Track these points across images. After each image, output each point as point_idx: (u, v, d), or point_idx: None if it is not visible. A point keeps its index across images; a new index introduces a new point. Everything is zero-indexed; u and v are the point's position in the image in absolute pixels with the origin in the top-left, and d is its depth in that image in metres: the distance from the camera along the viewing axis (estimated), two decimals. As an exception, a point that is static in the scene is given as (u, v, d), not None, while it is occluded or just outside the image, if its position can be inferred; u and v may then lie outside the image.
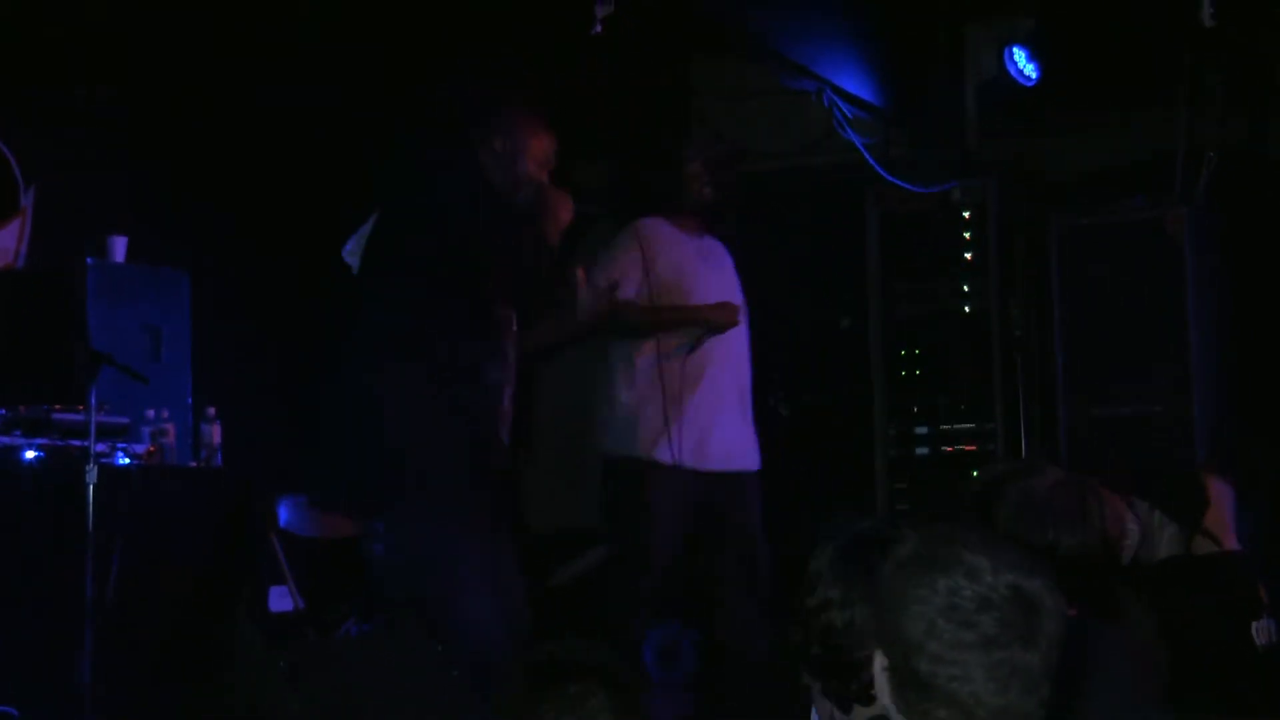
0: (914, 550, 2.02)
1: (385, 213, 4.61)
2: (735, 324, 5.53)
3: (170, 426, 5.64)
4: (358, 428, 4.46)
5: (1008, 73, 7.16)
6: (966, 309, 7.34)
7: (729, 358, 5.60)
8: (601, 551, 5.45)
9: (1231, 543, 4.54)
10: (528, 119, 4.74)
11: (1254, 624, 4.34)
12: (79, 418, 5.20)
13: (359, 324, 4.49)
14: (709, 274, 5.64)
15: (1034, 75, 7.19)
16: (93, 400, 5.02)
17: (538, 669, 2.52)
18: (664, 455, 5.39)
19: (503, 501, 4.59)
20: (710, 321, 5.50)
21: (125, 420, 5.48)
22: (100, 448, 5.10)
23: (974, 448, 7.21)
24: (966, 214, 7.37)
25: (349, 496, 4.71)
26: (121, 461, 5.36)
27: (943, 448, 7.28)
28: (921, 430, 7.28)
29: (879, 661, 2.01)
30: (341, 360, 4.53)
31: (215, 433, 5.78)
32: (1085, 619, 2.96)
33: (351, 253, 4.68)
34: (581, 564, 6.51)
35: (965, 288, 7.34)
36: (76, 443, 5.18)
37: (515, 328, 4.59)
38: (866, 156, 7.11)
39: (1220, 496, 4.64)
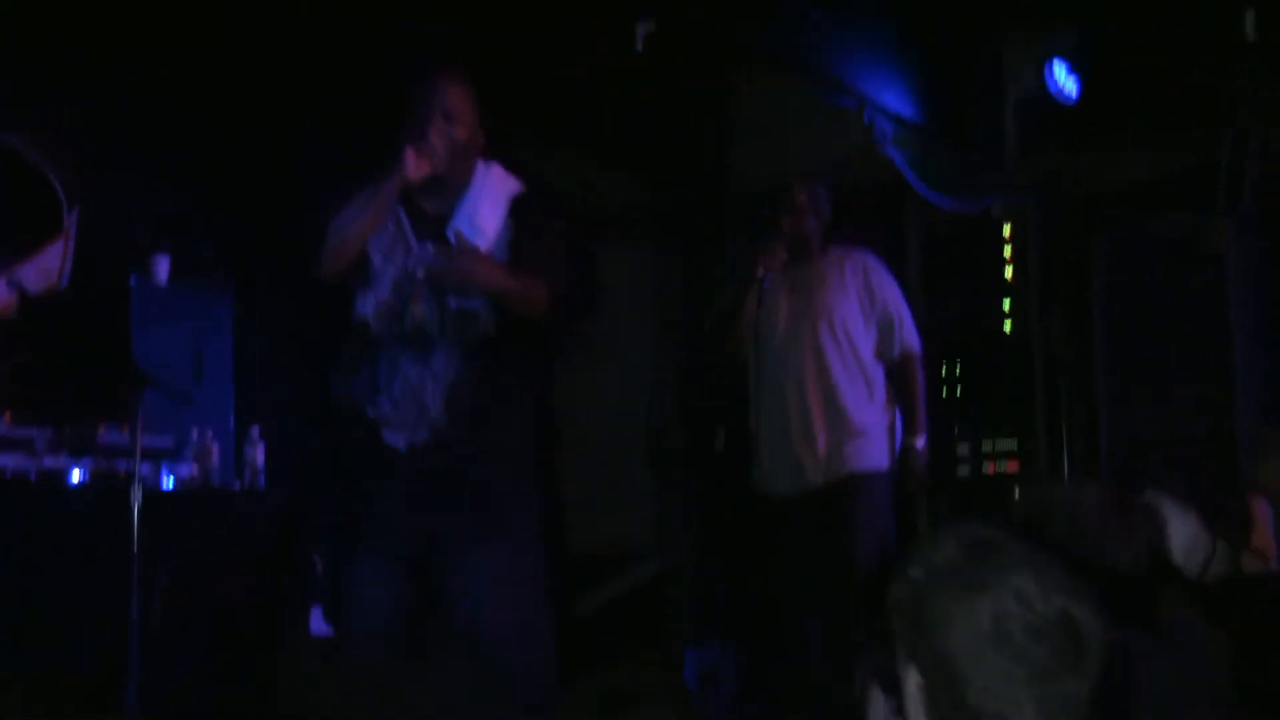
0: (953, 559, 1.95)
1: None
2: None
3: (214, 447, 5.64)
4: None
5: (1048, 87, 7.12)
6: (1007, 326, 7.30)
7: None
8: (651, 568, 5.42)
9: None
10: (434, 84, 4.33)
11: (1310, 645, 4.29)
12: (124, 439, 5.21)
13: None
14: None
15: (1074, 90, 7.15)
16: (138, 421, 5.01)
17: (607, 696, 2.47)
18: None
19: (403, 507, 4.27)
20: None
21: (169, 441, 5.48)
22: (145, 469, 5.09)
23: (1016, 467, 7.17)
24: (1007, 230, 7.34)
25: None
26: (166, 483, 5.36)
27: (984, 466, 7.24)
28: (963, 450, 7.24)
29: (913, 679, 1.95)
30: None
31: (259, 454, 5.77)
32: (1141, 640, 2.92)
33: None
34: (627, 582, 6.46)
35: (1006, 304, 7.30)
36: (121, 464, 5.18)
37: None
38: (906, 173, 7.07)
39: (1265, 515, 4.61)
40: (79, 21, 5.97)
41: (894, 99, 6.95)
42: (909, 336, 5.93)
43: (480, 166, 4.35)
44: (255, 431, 5.81)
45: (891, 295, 5.95)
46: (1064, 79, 7.15)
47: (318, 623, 5.76)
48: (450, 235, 4.27)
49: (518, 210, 4.34)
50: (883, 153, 6.99)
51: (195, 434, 5.65)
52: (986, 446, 7.25)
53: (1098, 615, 1.95)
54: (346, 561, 4.26)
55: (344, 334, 4.30)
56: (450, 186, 4.30)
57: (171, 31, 6.12)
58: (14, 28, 5.82)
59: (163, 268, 5.95)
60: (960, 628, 1.90)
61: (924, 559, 1.97)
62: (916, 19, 7.19)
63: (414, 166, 4.17)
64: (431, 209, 4.32)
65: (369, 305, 4.28)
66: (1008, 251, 7.33)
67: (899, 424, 5.86)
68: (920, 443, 5.82)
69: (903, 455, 5.82)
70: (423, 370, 4.22)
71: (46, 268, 6.03)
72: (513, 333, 4.29)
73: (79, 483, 5.17)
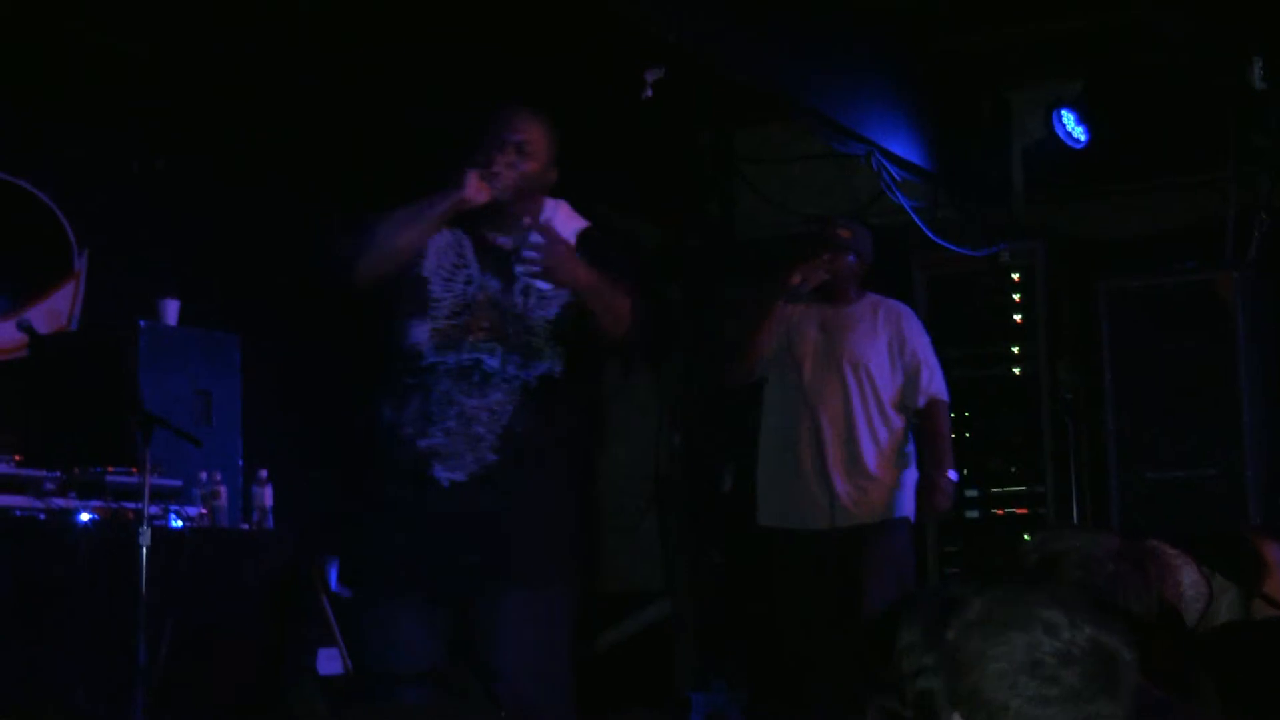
0: (982, 611, 1.99)
1: None
2: None
3: (222, 489, 5.65)
4: None
5: (1056, 135, 7.15)
6: (1016, 371, 7.32)
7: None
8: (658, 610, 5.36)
9: (1291, 607, 4.48)
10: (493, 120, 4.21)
11: (1322, 691, 4.26)
12: (133, 480, 5.21)
13: None
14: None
15: (1083, 138, 7.18)
16: (147, 463, 5.02)
17: None
18: None
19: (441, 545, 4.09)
20: None
21: (178, 483, 5.49)
22: (154, 510, 5.10)
23: (1025, 511, 7.18)
24: (1015, 276, 7.37)
25: None
26: (175, 524, 5.36)
27: (993, 511, 7.24)
28: (971, 493, 7.23)
29: None
30: None
31: (267, 495, 5.77)
32: (1159, 691, 2.91)
33: None
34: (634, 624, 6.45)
35: (1014, 350, 7.33)
36: (130, 505, 5.19)
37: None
38: (915, 219, 7.10)
39: (1277, 560, 4.59)
40: (88, 64, 6.01)
41: (902, 146, 6.99)
42: (937, 386, 5.88)
43: (549, 203, 4.33)
44: (263, 473, 5.82)
45: (921, 345, 5.91)
46: (1073, 126, 7.19)
47: (324, 663, 5.76)
48: (526, 254, 4.17)
49: (584, 245, 4.23)
50: (891, 199, 7.02)
51: (204, 475, 5.66)
52: (995, 490, 7.26)
53: (1129, 645, 1.98)
54: (376, 595, 4.16)
55: (392, 363, 4.17)
56: (518, 221, 4.21)
57: (179, 73, 6.16)
58: (26, 71, 5.87)
59: (172, 310, 5.97)
60: (996, 660, 1.95)
61: (957, 616, 2.00)
62: (924, 66, 7.23)
63: (474, 189, 4.07)
64: (498, 242, 4.24)
65: (424, 334, 4.21)
66: (1016, 297, 7.35)
67: (914, 473, 5.82)
68: (948, 477, 5.78)
69: (925, 487, 5.77)
70: (479, 403, 4.09)
71: (57, 310, 6.09)
72: (573, 374, 4.19)
73: (87, 522, 5.17)
